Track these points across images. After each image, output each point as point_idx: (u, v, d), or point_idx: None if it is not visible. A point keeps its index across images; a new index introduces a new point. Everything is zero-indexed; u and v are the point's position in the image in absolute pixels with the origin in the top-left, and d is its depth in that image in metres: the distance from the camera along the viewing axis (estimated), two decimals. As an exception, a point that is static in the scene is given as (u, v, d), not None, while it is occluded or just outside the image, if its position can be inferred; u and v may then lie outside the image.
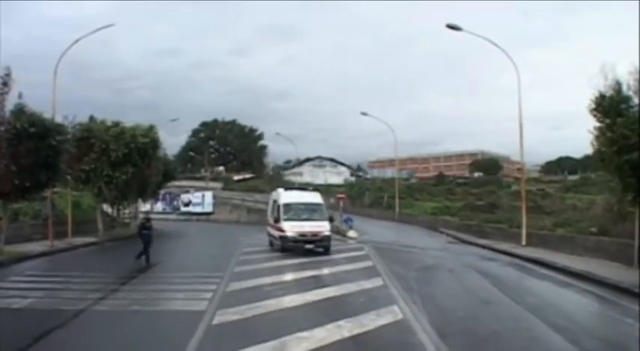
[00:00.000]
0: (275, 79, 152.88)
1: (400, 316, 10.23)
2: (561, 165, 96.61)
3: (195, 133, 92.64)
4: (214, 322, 9.85)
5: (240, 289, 13.08)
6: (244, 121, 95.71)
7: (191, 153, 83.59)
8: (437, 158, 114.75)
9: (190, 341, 8.44)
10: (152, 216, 22.43)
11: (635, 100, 14.34)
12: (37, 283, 14.49)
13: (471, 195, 60.16)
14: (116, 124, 29.74)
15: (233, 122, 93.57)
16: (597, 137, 15.12)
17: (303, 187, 29.03)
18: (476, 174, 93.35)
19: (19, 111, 19.28)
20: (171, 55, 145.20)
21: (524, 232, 23.64)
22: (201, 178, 75.68)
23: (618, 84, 14.78)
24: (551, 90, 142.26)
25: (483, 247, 24.71)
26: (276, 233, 22.41)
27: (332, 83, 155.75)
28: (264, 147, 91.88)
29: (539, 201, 43.95)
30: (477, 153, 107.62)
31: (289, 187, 27.21)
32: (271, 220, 23.82)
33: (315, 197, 23.87)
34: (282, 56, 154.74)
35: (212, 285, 13.56)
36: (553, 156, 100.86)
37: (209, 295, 12.30)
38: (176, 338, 8.72)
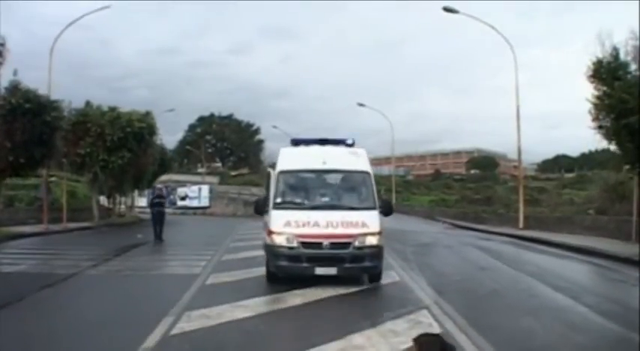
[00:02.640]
0: (274, 78, 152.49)
1: (398, 279, 10.15)
2: (558, 163, 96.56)
3: (191, 127, 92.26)
4: (208, 282, 9.82)
5: (235, 259, 12.96)
6: (243, 118, 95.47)
7: (188, 147, 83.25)
8: (433, 156, 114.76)
9: (183, 296, 8.37)
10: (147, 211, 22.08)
11: (633, 67, 14.31)
12: (30, 255, 14.44)
13: (467, 190, 60.12)
14: (112, 109, 29.50)
15: (230, 117, 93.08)
16: (595, 105, 15.06)
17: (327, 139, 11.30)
18: (472, 171, 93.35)
19: (14, 87, 19.09)
20: (170, 54, 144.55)
21: (521, 215, 23.50)
22: (198, 174, 75.49)
23: (616, 50, 14.79)
24: (548, 89, 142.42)
25: (480, 231, 24.57)
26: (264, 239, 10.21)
27: (330, 82, 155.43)
28: (260, 142, 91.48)
29: (536, 195, 43.89)
30: (474, 151, 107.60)
31: (299, 139, 11.52)
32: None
33: (352, 159, 10.56)
34: (281, 55, 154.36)
35: (207, 256, 13.50)
36: (549, 155, 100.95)
37: (203, 263, 12.22)
38: (169, 294, 8.62)
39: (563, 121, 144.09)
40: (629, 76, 14.26)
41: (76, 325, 6.86)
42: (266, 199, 10.33)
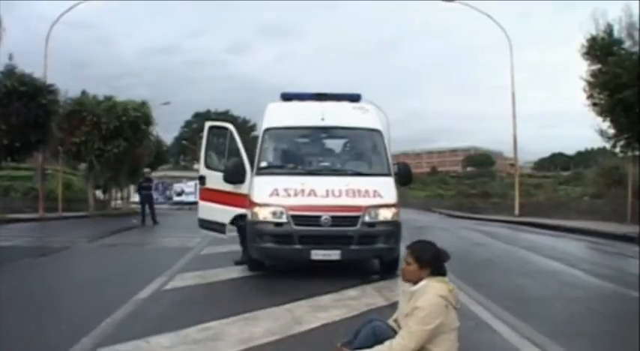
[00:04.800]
0: (272, 76, 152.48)
1: (393, 251, 10.11)
2: (554, 161, 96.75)
3: (187, 124, 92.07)
4: (202, 253, 9.88)
5: (231, 236, 12.89)
6: (239, 115, 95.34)
7: (184, 142, 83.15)
8: (430, 154, 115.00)
9: (178, 262, 8.42)
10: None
11: (627, 43, 14.43)
12: (26, 233, 14.39)
13: (464, 185, 60.11)
14: (108, 99, 29.34)
15: (226, 113, 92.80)
16: (589, 83, 15.13)
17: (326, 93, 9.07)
18: (468, 168, 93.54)
19: (10, 71, 18.97)
20: (169, 53, 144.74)
21: (517, 201, 23.45)
22: (195, 170, 75.50)
23: (610, 26, 14.88)
24: (544, 89, 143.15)
25: (477, 219, 24.55)
26: (227, 212, 8.62)
27: (328, 80, 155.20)
28: (257, 138, 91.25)
29: (532, 191, 43.92)
30: (470, 149, 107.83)
31: (290, 93, 9.17)
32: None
33: (358, 115, 8.57)
34: (279, 53, 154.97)
35: (202, 234, 13.37)
36: (545, 154, 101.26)
37: (198, 239, 12.16)
38: (163, 261, 8.65)
39: (560, 120, 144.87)
40: (622, 51, 14.35)
41: (70, 283, 6.89)
42: (236, 164, 8.01)
